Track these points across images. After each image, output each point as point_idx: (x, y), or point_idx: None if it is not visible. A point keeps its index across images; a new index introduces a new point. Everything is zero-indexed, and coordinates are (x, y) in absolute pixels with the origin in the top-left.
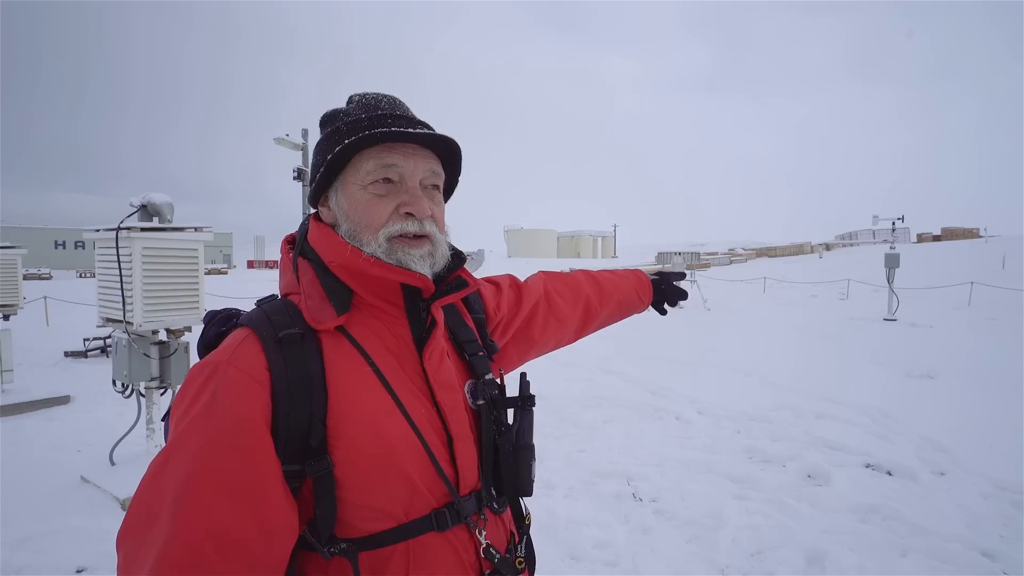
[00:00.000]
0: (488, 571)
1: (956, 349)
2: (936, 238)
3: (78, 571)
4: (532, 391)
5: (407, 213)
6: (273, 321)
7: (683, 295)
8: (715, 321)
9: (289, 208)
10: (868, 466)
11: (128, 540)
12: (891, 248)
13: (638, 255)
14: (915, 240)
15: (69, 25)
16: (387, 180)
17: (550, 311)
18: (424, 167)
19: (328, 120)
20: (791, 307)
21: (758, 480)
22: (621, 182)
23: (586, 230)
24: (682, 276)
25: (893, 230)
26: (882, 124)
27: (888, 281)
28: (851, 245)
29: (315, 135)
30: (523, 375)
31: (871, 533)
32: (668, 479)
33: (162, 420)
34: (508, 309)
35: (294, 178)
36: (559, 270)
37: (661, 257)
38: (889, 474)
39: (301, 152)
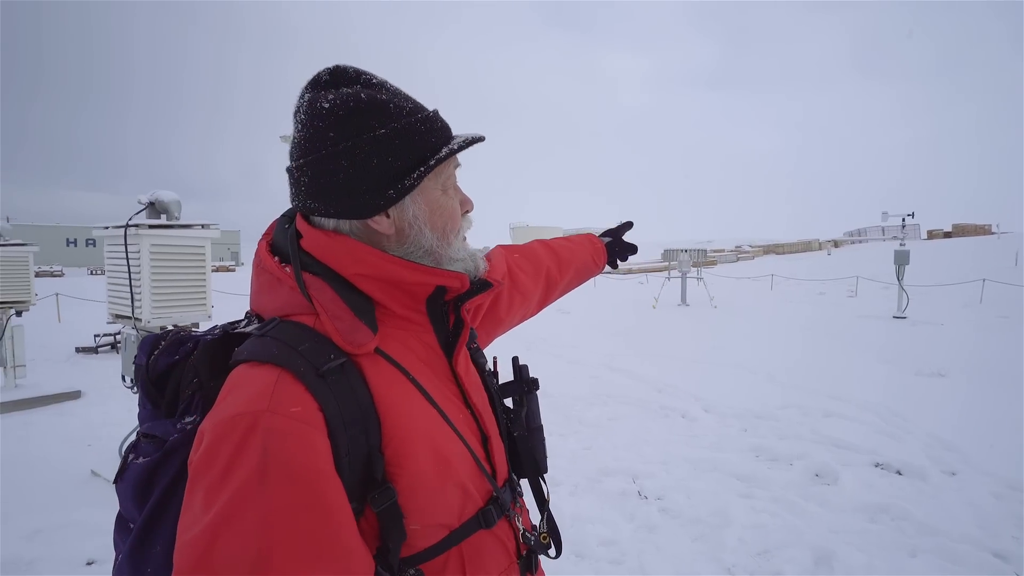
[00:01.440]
0: (525, 553)
1: (967, 347)
2: (947, 235)
3: (88, 563)
4: (531, 375)
5: (465, 211)
6: (302, 352)
7: (633, 250)
8: (722, 319)
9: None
10: (877, 465)
11: None
12: (901, 245)
13: (644, 252)
14: (925, 237)
15: (71, 24)
16: (455, 183)
17: (515, 288)
18: None
19: (377, 113)
20: (799, 305)
21: (765, 479)
22: (627, 179)
23: (592, 227)
24: (630, 226)
25: (903, 227)
26: (891, 119)
27: (898, 278)
28: (860, 242)
29: None
30: (515, 359)
31: (880, 533)
32: (674, 477)
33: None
34: None
35: None
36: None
37: (667, 254)
38: (898, 473)
39: None
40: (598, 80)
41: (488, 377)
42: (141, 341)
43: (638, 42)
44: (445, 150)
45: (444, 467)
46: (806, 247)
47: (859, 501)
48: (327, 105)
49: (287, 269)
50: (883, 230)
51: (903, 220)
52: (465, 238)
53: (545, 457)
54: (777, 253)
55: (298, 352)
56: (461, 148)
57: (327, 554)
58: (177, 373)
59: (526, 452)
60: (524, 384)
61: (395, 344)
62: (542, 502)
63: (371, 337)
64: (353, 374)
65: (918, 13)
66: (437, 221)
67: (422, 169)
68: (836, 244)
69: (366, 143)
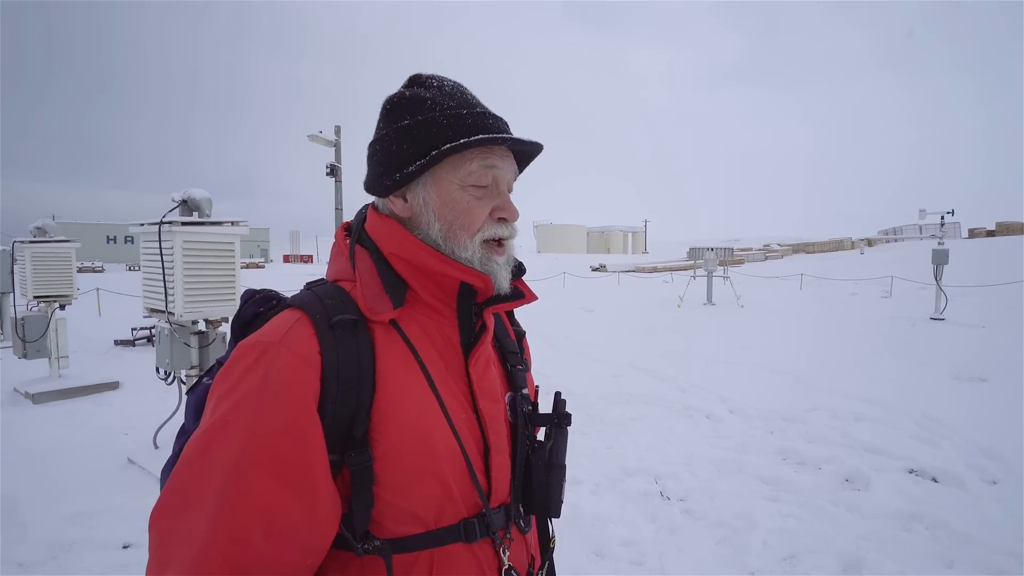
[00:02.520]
0: None
1: (1010, 351)
2: (990, 233)
3: (124, 547)
4: (568, 409)
5: (501, 218)
6: (326, 305)
7: None
8: (748, 318)
9: (321, 203)
10: (911, 471)
11: (165, 522)
12: (939, 244)
13: (669, 250)
14: (966, 235)
15: (82, 22)
16: (483, 183)
17: None
18: (511, 170)
19: (411, 106)
20: (829, 305)
21: (792, 482)
22: (653, 176)
23: (616, 225)
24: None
25: (942, 225)
26: (929, 113)
27: (936, 278)
28: (896, 241)
29: (348, 132)
30: (558, 394)
31: (913, 541)
32: (697, 478)
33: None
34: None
35: (327, 174)
36: (588, 267)
37: (693, 253)
38: (934, 480)
39: (334, 149)
40: (622, 75)
41: (521, 398)
42: (243, 292)
43: (663, 38)
44: (450, 145)
45: (426, 451)
46: (838, 246)
47: (891, 508)
48: (384, 100)
49: (347, 242)
50: (920, 228)
51: (942, 218)
52: (492, 244)
53: (560, 501)
54: (807, 252)
55: (323, 304)
56: (465, 146)
57: (295, 479)
58: (259, 322)
59: (540, 487)
60: (556, 416)
61: (415, 327)
62: (546, 548)
63: (389, 308)
64: (363, 336)
65: (947, 6)
66: (446, 215)
67: (425, 160)
68: (870, 243)
69: (393, 131)
